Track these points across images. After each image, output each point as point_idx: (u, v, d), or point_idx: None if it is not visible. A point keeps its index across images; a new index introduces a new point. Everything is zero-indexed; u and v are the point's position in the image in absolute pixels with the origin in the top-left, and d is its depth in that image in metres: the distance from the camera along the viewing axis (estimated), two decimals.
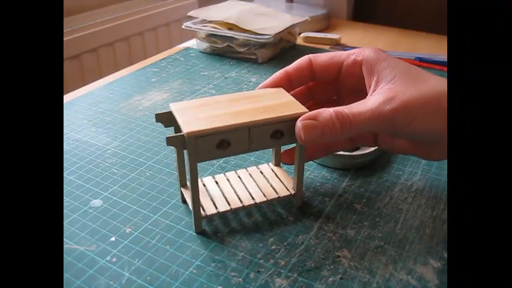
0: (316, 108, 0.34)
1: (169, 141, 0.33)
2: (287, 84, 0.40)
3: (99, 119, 0.56)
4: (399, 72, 0.34)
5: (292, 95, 0.39)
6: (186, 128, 0.32)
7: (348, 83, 0.40)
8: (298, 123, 0.34)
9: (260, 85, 0.40)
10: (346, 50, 0.79)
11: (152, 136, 0.52)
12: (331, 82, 0.41)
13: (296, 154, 0.38)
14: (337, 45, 0.84)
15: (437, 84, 0.33)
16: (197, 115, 0.34)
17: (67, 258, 0.34)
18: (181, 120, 0.33)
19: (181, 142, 0.33)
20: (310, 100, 0.43)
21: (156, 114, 0.36)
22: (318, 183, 0.43)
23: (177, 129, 0.36)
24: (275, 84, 0.40)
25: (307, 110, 0.35)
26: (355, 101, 0.35)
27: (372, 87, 0.36)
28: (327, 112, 0.33)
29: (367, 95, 0.36)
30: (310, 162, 0.47)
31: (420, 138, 0.35)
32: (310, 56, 0.41)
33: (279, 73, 0.40)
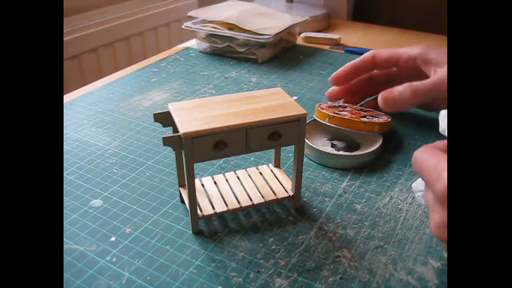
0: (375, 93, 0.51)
1: (166, 141, 0.33)
2: (355, 72, 0.55)
3: (99, 119, 0.56)
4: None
5: (357, 80, 0.56)
6: (183, 128, 0.32)
7: (405, 73, 0.53)
8: (381, 96, 0.48)
9: (333, 74, 0.56)
10: (346, 50, 0.80)
11: (152, 136, 0.52)
12: (387, 72, 0.56)
13: (294, 156, 0.38)
14: (337, 45, 0.84)
15: None
16: (194, 115, 0.34)
17: (67, 258, 0.34)
18: (178, 121, 0.33)
19: (177, 142, 0.33)
20: (370, 83, 0.57)
21: (154, 114, 0.36)
22: (318, 183, 0.43)
23: (175, 129, 0.36)
24: (346, 74, 0.55)
25: (305, 112, 0.35)
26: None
27: (432, 71, 0.48)
28: (404, 85, 0.47)
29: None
30: (310, 162, 0.47)
31: None
32: (374, 51, 0.54)
33: (346, 66, 0.55)
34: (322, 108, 0.50)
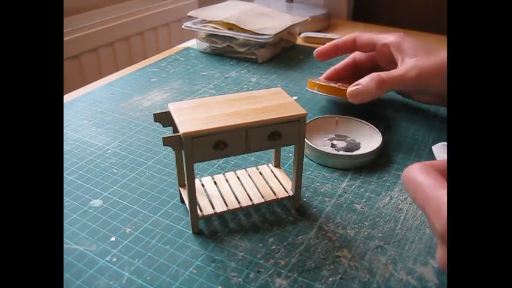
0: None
1: (166, 141, 0.33)
2: (335, 50, 0.58)
3: (99, 119, 0.56)
4: (418, 48, 0.50)
5: (343, 66, 0.59)
6: (183, 128, 0.32)
7: (381, 58, 0.55)
8: (348, 91, 0.50)
9: (317, 49, 0.59)
10: None
11: (152, 136, 0.52)
12: (370, 58, 0.58)
13: (294, 156, 0.38)
14: None
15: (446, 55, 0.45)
16: (194, 115, 0.34)
17: (67, 258, 0.34)
18: (178, 121, 0.33)
19: (177, 142, 0.33)
20: (355, 71, 0.59)
21: (154, 114, 0.36)
22: (318, 183, 0.43)
23: (175, 129, 0.36)
24: (327, 51, 0.58)
25: (305, 112, 0.35)
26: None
27: (400, 60, 0.51)
28: (369, 76, 0.49)
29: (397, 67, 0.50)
30: (310, 162, 0.47)
31: (436, 93, 0.50)
32: (356, 33, 0.57)
33: (329, 44, 0.58)
34: (313, 79, 0.57)
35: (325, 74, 0.60)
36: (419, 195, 0.27)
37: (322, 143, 0.49)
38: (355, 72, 0.60)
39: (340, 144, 0.49)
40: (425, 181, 0.27)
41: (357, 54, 0.59)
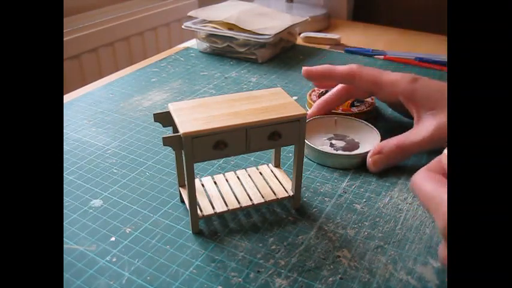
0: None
1: (166, 141, 0.33)
2: (327, 78, 0.51)
3: (99, 119, 0.56)
4: (434, 97, 0.45)
5: (334, 96, 0.52)
6: (183, 128, 0.32)
7: (385, 99, 0.50)
8: (369, 159, 0.45)
9: (307, 69, 0.52)
10: (346, 50, 0.80)
11: (152, 136, 0.52)
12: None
13: (294, 156, 0.37)
14: (337, 45, 0.84)
15: None
16: (194, 115, 0.34)
17: (67, 258, 0.34)
18: (178, 121, 0.33)
19: (177, 142, 0.33)
20: (350, 97, 0.53)
21: (154, 114, 0.36)
22: (318, 183, 0.43)
23: (175, 129, 0.36)
24: (318, 75, 0.52)
25: (305, 112, 0.35)
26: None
27: (415, 115, 0.46)
28: (390, 144, 0.45)
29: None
30: (310, 162, 0.47)
31: None
32: (355, 67, 0.49)
33: (322, 69, 0.51)
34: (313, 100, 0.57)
35: (315, 108, 0.53)
36: (422, 196, 0.30)
37: (321, 143, 0.49)
38: (347, 100, 0.54)
39: (339, 143, 0.49)
40: (426, 183, 0.30)
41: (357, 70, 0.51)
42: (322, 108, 0.52)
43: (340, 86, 0.52)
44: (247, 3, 0.85)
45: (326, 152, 0.45)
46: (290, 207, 0.40)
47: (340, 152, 0.46)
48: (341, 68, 0.50)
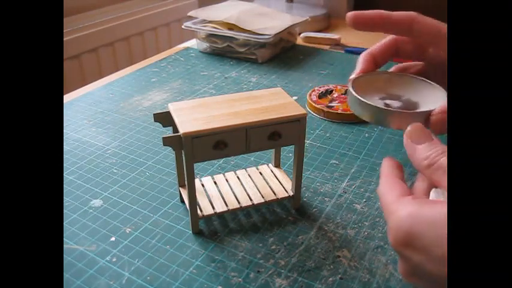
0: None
1: (166, 141, 0.33)
2: (382, 24, 0.40)
3: (99, 119, 0.56)
4: None
5: (382, 47, 0.41)
6: (183, 128, 0.32)
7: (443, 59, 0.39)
8: (433, 118, 0.34)
9: (354, 13, 0.41)
10: (346, 50, 0.80)
11: (152, 136, 0.52)
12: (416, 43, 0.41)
13: (294, 156, 0.37)
14: (337, 45, 0.84)
15: None
16: (194, 115, 0.34)
17: (67, 258, 0.34)
18: (178, 121, 0.33)
19: (177, 142, 0.33)
20: (398, 53, 0.43)
21: (154, 114, 0.36)
22: (318, 183, 0.43)
23: (175, 129, 0.36)
24: (371, 19, 0.40)
25: (305, 112, 0.35)
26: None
27: None
28: None
29: None
30: (310, 162, 0.47)
31: None
32: (414, 13, 0.40)
33: (375, 12, 0.41)
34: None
35: (360, 63, 0.42)
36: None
37: (376, 99, 0.39)
38: (393, 56, 0.43)
39: (395, 103, 0.38)
40: (383, 199, 0.28)
41: (416, 16, 0.41)
42: (369, 63, 0.42)
43: (389, 37, 0.43)
44: (247, 3, 0.85)
45: (385, 109, 0.35)
46: (290, 207, 0.40)
47: (400, 109, 0.36)
48: (398, 12, 0.41)
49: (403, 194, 0.28)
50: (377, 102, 0.39)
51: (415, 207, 0.25)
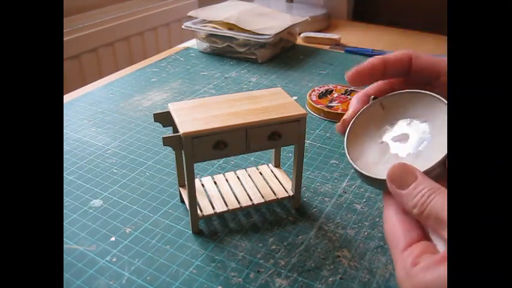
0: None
1: (166, 141, 0.33)
2: (382, 69, 0.35)
3: (99, 119, 0.56)
4: None
5: (373, 90, 0.36)
6: (183, 128, 0.32)
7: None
8: None
9: (353, 71, 0.35)
10: (346, 50, 0.80)
11: (152, 136, 0.52)
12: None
13: (294, 156, 0.37)
14: (337, 45, 0.84)
15: None
16: (194, 115, 0.34)
17: (67, 258, 0.34)
18: (178, 121, 0.33)
19: (177, 142, 0.33)
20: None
21: (154, 114, 0.36)
22: (318, 183, 0.43)
23: (175, 129, 0.36)
24: (369, 70, 0.35)
25: (305, 112, 0.35)
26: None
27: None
28: None
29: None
30: (310, 162, 0.47)
31: None
32: (411, 51, 0.35)
33: (372, 61, 0.35)
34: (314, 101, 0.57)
35: (355, 105, 0.36)
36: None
37: (379, 150, 0.31)
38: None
39: (402, 149, 0.30)
40: (387, 225, 0.26)
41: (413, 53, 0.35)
42: (364, 104, 0.36)
43: (399, 53, 0.36)
44: (247, 3, 0.85)
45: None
46: (290, 207, 0.40)
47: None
48: (393, 54, 0.36)
49: (415, 239, 0.25)
50: (381, 146, 0.32)
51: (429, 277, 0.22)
